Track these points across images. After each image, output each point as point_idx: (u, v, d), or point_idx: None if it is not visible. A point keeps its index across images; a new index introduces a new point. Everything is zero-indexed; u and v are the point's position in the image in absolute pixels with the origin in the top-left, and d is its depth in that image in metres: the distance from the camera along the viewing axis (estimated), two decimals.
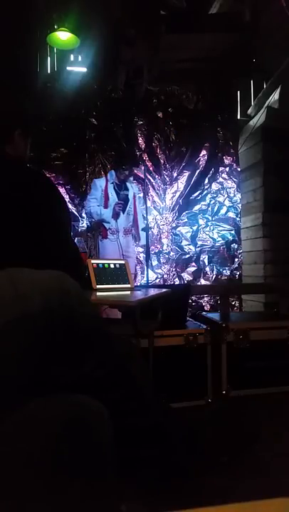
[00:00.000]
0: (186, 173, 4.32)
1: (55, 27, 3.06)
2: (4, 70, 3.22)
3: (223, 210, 4.41)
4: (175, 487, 1.10)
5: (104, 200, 3.50)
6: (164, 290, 1.85)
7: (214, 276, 4.33)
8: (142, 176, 3.97)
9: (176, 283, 4.19)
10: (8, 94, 1.43)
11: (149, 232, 4.03)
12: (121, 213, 3.50)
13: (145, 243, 3.74)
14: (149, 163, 4.22)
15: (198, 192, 4.36)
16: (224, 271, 4.37)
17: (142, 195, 4.03)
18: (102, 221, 3.51)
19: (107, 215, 3.48)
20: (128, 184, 3.65)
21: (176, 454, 1.11)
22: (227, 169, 4.43)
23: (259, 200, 3.90)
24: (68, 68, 3.78)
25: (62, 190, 3.98)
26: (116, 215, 3.47)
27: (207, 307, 4.23)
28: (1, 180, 1.21)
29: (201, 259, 4.33)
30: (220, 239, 4.38)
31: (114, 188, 3.56)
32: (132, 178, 3.87)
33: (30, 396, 0.78)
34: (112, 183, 3.57)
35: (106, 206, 3.49)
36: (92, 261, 1.74)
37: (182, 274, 4.29)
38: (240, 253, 4.36)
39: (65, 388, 0.85)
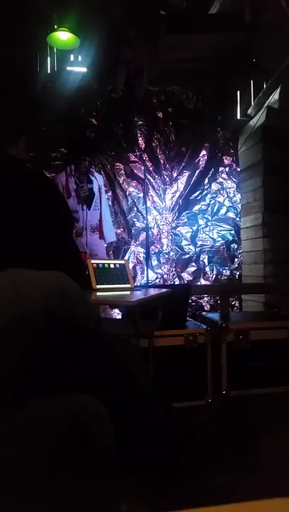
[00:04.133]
0: (186, 173, 4.32)
1: (55, 27, 3.05)
2: (5, 71, 3.21)
3: (223, 210, 4.41)
4: (175, 487, 1.10)
5: (66, 195, 3.37)
6: (164, 290, 1.85)
7: (214, 276, 4.33)
8: (142, 175, 3.97)
9: (176, 283, 4.19)
10: (19, 102, 1.51)
11: (149, 232, 4.04)
12: (86, 209, 3.40)
13: (115, 239, 3.73)
14: (149, 163, 4.22)
15: (198, 192, 4.36)
16: (224, 271, 4.37)
17: (142, 192, 4.04)
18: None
19: (71, 204, 3.33)
20: (91, 177, 3.53)
21: (176, 453, 1.11)
22: (227, 169, 4.43)
23: (259, 200, 3.90)
24: (68, 68, 3.78)
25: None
26: (83, 200, 3.34)
27: (207, 307, 4.23)
28: (2, 181, 1.21)
29: (201, 259, 4.33)
30: (220, 239, 4.38)
31: (75, 182, 3.46)
32: (94, 169, 3.74)
33: (31, 396, 0.78)
34: (73, 176, 3.47)
35: (68, 197, 3.36)
36: (92, 261, 1.75)
37: (182, 274, 4.29)
38: (240, 253, 4.36)
39: (65, 388, 0.85)
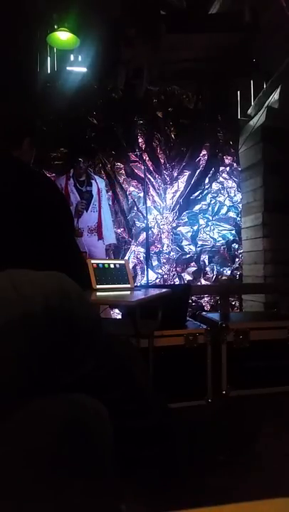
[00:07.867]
0: (187, 173, 4.32)
1: (55, 27, 3.05)
2: (6, 72, 3.21)
3: (224, 210, 4.41)
4: (175, 487, 1.10)
5: None
6: (164, 290, 1.85)
7: (214, 276, 4.33)
8: (142, 175, 3.97)
9: (176, 283, 4.18)
10: (22, 104, 1.51)
11: (150, 232, 4.04)
12: (84, 211, 3.46)
13: (115, 242, 3.75)
14: (149, 163, 4.22)
15: (199, 192, 4.36)
16: (224, 271, 4.36)
17: (142, 191, 4.04)
18: None
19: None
20: (92, 180, 3.57)
21: (176, 453, 1.11)
22: (227, 169, 4.42)
23: (259, 200, 3.90)
24: (68, 68, 3.78)
25: None
26: (77, 215, 3.41)
27: (207, 307, 4.23)
28: (3, 181, 1.21)
29: (202, 259, 4.33)
30: (220, 239, 4.38)
31: (74, 185, 3.49)
32: (92, 171, 3.75)
33: (31, 396, 0.78)
34: (73, 179, 3.50)
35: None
36: (92, 261, 1.75)
37: (182, 274, 4.29)
38: (240, 253, 4.36)
39: (65, 388, 0.85)
